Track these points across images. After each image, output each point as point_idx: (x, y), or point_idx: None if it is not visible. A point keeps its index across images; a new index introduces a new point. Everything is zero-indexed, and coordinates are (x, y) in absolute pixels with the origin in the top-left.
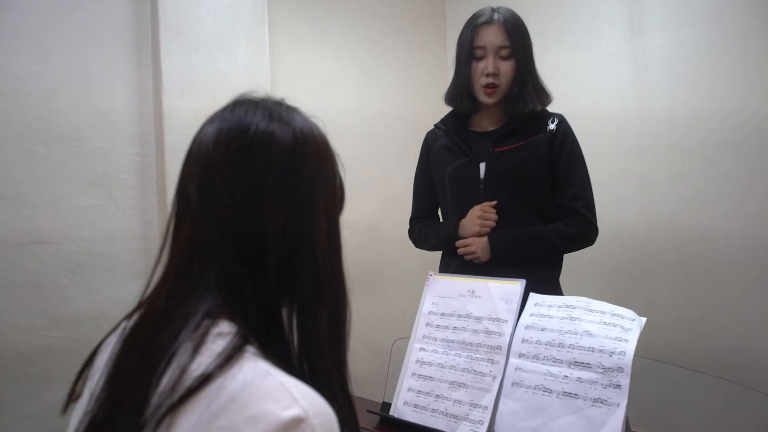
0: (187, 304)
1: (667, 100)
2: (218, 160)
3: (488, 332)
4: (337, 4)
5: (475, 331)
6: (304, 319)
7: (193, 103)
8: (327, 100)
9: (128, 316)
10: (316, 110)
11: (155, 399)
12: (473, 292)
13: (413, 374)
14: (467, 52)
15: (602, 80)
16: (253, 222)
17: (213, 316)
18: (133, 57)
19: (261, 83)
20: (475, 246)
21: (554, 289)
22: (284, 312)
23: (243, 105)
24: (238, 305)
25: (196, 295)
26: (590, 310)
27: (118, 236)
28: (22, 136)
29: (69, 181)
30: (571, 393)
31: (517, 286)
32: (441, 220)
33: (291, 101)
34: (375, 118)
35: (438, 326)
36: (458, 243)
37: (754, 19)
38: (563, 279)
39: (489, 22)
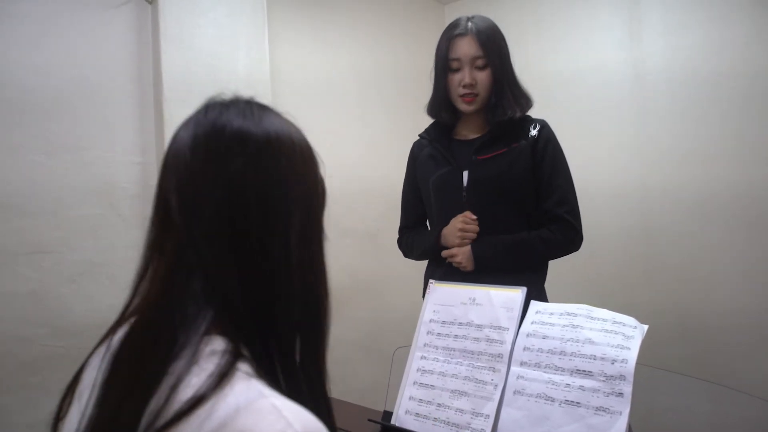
0: (175, 318)
1: (666, 106)
2: (197, 165)
3: (489, 340)
4: (337, 13)
5: (477, 339)
6: (285, 317)
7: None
8: (328, 108)
9: (112, 330)
10: (317, 118)
11: (144, 420)
12: (474, 300)
13: (414, 383)
14: (443, 64)
15: (601, 86)
16: (237, 222)
17: (205, 331)
18: (134, 66)
19: (261, 91)
20: (461, 256)
21: (539, 296)
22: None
23: (215, 107)
24: (229, 314)
25: (185, 307)
26: (592, 318)
27: (120, 245)
28: (24, 145)
29: (70, 190)
30: (573, 401)
31: (518, 293)
32: (429, 229)
33: (293, 109)
34: (375, 125)
35: (439, 334)
36: (444, 253)
37: (757, 23)
38: (562, 286)
39: (463, 33)
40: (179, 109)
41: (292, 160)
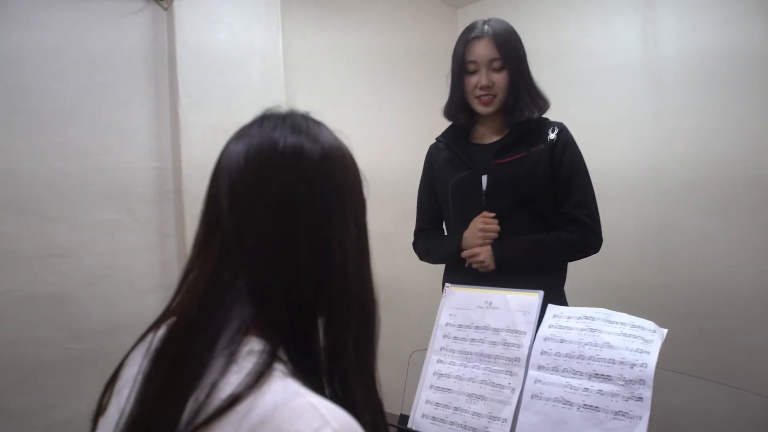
0: (217, 316)
1: (682, 107)
2: (250, 173)
3: (506, 344)
4: (350, 19)
5: (493, 343)
6: (332, 325)
7: (209, 117)
8: (341, 112)
9: (155, 327)
10: (331, 122)
11: (184, 417)
12: (491, 303)
13: (431, 386)
14: (460, 66)
15: (616, 86)
16: (286, 229)
17: (244, 332)
18: (150, 72)
19: (276, 97)
20: (484, 254)
21: (559, 298)
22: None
23: (271, 120)
24: (270, 316)
25: (227, 307)
26: (610, 322)
27: (137, 249)
28: (43, 151)
29: (88, 195)
30: (592, 406)
31: (534, 297)
32: (445, 233)
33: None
34: (389, 129)
35: (455, 338)
36: (465, 253)
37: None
38: (578, 286)
39: (479, 36)
40: (195, 114)
41: (344, 176)
